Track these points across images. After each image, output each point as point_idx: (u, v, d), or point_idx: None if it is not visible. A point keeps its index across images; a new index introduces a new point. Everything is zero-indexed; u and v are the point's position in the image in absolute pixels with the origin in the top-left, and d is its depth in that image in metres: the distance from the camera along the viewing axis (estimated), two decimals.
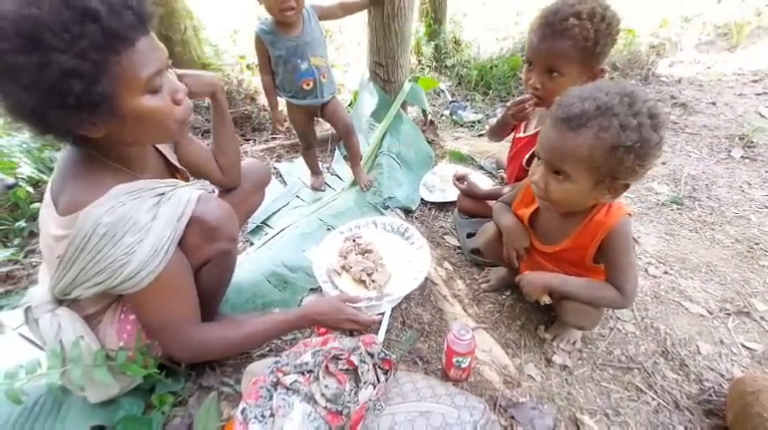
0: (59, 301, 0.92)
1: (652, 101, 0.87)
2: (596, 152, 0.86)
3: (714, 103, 2.76)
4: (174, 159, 1.10)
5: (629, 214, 1.01)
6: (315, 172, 2.05)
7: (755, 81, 3.06)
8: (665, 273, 1.51)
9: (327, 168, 2.21)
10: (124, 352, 0.94)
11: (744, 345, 1.24)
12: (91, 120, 0.72)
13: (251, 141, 2.44)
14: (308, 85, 1.66)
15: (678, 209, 1.85)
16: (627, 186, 0.93)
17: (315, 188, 2.04)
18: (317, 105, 1.76)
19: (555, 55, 1.15)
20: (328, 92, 1.74)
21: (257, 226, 1.79)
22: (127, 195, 0.80)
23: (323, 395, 0.94)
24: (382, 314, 1.28)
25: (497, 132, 1.55)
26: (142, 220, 0.81)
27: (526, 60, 1.25)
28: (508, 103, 1.34)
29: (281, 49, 1.57)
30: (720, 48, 3.71)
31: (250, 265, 1.53)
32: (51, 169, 1.88)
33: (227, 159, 1.23)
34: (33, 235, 1.69)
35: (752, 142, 2.27)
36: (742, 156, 2.20)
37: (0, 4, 0.62)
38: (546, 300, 1.12)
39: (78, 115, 0.70)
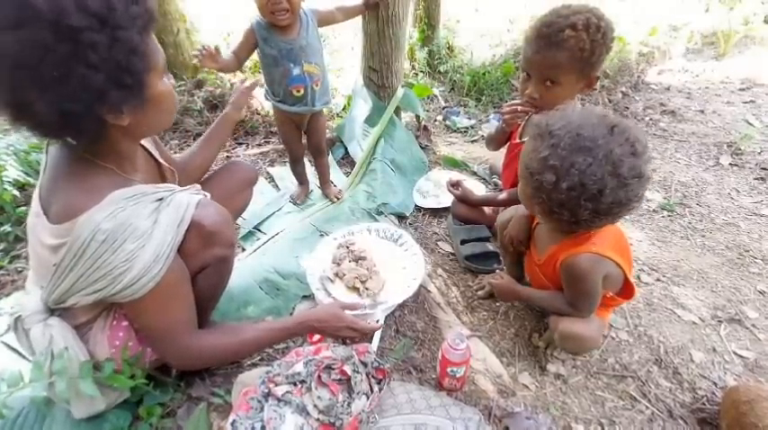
0: (51, 311, 0.90)
1: (591, 159, 0.83)
2: (521, 164, 0.97)
3: (702, 111, 2.80)
4: (158, 156, 1.10)
5: (607, 256, 0.99)
6: (301, 181, 1.97)
7: (743, 89, 3.11)
8: (658, 280, 1.52)
9: None
10: (111, 363, 0.92)
11: (736, 353, 1.25)
12: (130, 104, 0.75)
13: (243, 145, 2.42)
14: (298, 91, 1.58)
15: (669, 215, 1.86)
16: (550, 218, 0.95)
17: (294, 200, 1.93)
18: (305, 114, 1.68)
19: (552, 66, 1.15)
20: (320, 101, 1.66)
21: (249, 231, 1.76)
22: (126, 200, 0.79)
23: (315, 406, 0.93)
24: (376, 322, 1.27)
25: (495, 141, 1.55)
26: (143, 226, 0.79)
27: (522, 71, 1.26)
28: (503, 107, 1.33)
29: (274, 49, 1.49)
30: (708, 56, 3.78)
31: (242, 272, 1.50)
32: (39, 172, 1.84)
33: (204, 161, 1.26)
34: (19, 239, 1.65)
35: (740, 149, 2.31)
36: (730, 164, 2.24)
37: None
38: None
39: (127, 97, 0.73)
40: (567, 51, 1.11)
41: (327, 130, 2.33)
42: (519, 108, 1.29)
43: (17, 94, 0.67)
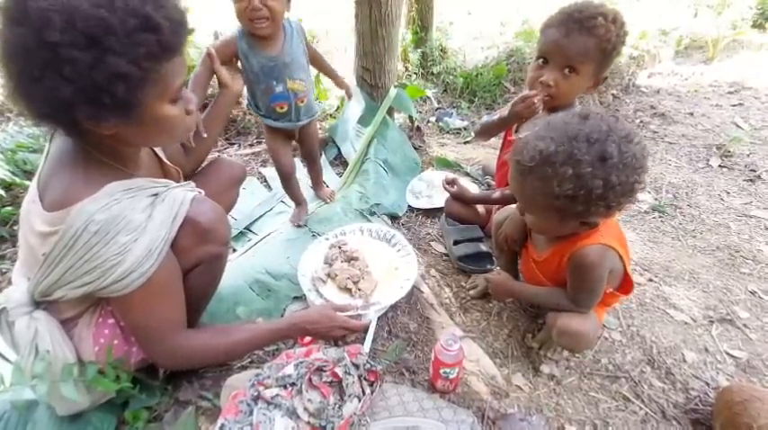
0: (37, 304, 0.88)
1: (613, 139, 0.84)
2: (542, 199, 0.91)
3: (692, 114, 2.83)
4: (163, 156, 1.09)
5: (613, 248, 1.00)
6: (297, 201, 1.79)
7: (731, 92, 3.16)
8: (650, 280, 1.52)
9: None
10: (94, 366, 0.89)
11: (728, 353, 1.25)
12: (111, 119, 0.73)
13: (235, 145, 2.40)
14: (281, 108, 1.48)
15: (660, 216, 1.87)
16: (611, 213, 0.93)
17: (293, 222, 1.76)
18: (292, 128, 1.59)
19: (578, 51, 1.14)
20: (306, 115, 1.57)
21: (240, 232, 1.74)
22: (122, 193, 0.79)
23: (305, 409, 0.91)
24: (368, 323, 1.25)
25: (491, 130, 1.47)
26: (137, 220, 0.79)
27: (539, 57, 1.23)
28: (514, 100, 1.27)
29: (256, 66, 1.37)
30: (697, 60, 3.83)
31: (232, 272, 1.47)
32: (26, 171, 1.81)
33: (207, 144, 1.24)
34: (3, 240, 1.61)
35: (729, 152, 2.34)
36: (720, 165, 2.26)
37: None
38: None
39: (105, 113, 0.71)
40: (595, 39, 1.11)
41: (320, 130, 2.32)
42: (536, 100, 1.23)
43: (9, 80, 0.71)
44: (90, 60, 0.65)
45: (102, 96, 0.68)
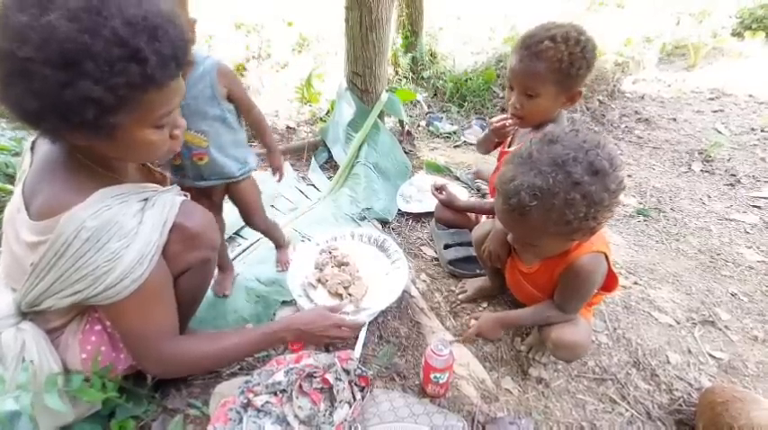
0: (23, 314, 0.86)
1: (593, 151, 0.86)
2: (555, 228, 0.90)
3: (675, 119, 2.90)
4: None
5: (603, 252, 1.01)
6: (220, 267, 1.44)
7: (712, 99, 3.24)
8: (635, 283, 1.55)
9: (303, 178, 2.17)
10: (80, 375, 0.87)
11: (710, 354, 1.28)
12: (84, 134, 0.71)
13: None
14: (175, 160, 1.23)
15: (645, 220, 1.91)
16: (613, 215, 0.95)
17: (214, 291, 1.42)
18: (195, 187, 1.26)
19: (531, 77, 1.16)
20: (214, 177, 1.26)
21: (230, 237, 1.72)
22: (113, 199, 0.78)
23: (296, 416, 0.91)
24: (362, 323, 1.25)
25: (483, 146, 1.56)
26: (128, 225, 0.78)
27: (507, 82, 1.27)
28: (491, 120, 1.33)
29: None
30: (679, 67, 3.93)
31: None
32: (8, 175, 1.76)
33: None
34: None
35: (710, 157, 2.40)
36: (701, 170, 2.32)
37: (59, 20, 0.62)
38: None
39: (74, 129, 0.70)
40: (545, 62, 1.13)
41: (310, 134, 2.30)
42: (508, 123, 1.30)
43: None
44: (63, 80, 0.63)
45: (71, 115, 0.67)
